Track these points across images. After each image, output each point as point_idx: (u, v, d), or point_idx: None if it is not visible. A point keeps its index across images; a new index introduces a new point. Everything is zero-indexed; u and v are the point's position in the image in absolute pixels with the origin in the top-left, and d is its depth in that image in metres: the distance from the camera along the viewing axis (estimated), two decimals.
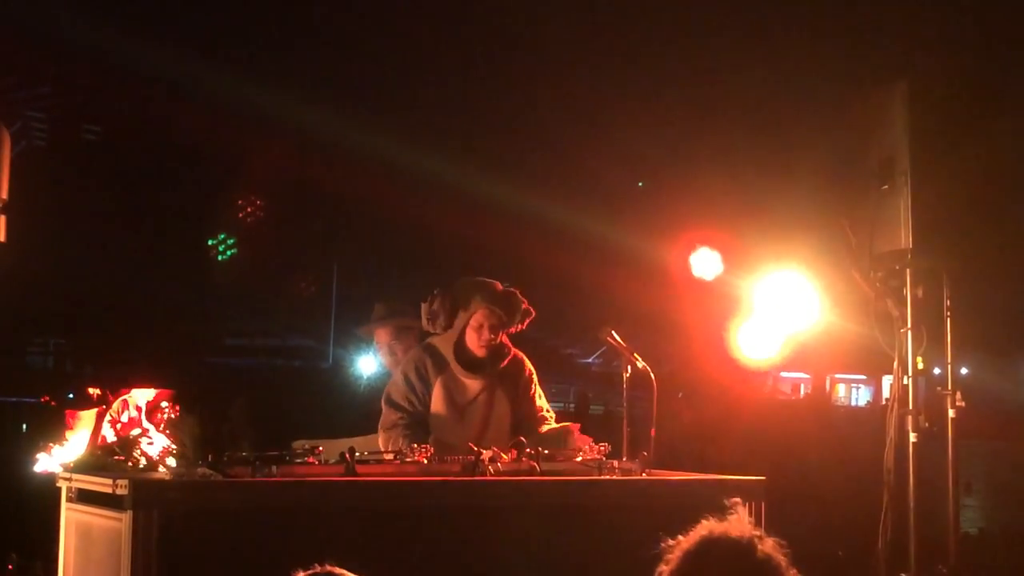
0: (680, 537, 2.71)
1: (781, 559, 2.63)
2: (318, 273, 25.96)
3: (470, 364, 5.44)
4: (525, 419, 5.53)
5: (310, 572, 2.69)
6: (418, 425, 5.38)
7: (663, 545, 2.72)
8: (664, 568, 2.70)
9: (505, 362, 5.52)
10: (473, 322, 5.41)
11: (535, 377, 5.65)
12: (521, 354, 5.65)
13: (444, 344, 5.48)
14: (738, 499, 2.85)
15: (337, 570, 2.68)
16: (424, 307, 5.51)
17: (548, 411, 5.64)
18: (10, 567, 7.30)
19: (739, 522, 2.69)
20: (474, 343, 5.42)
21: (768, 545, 2.63)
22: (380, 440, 5.38)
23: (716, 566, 2.62)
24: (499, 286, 5.51)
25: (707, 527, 2.69)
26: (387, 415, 5.45)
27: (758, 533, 2.66)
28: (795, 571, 2.64)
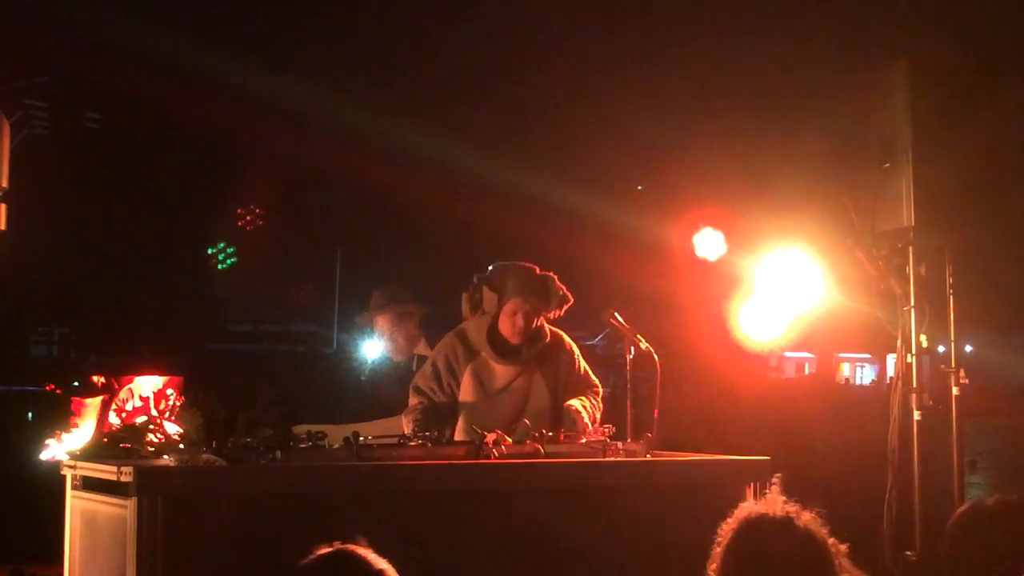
0: (728, 521, 2.77)
1: (821, 529, 2.69)
2: (319, 281, 26.04)
3: (503, 350, 5.41)
4: (573, 396, 5.47)
5: (330, 549, 2.71)
6: (435, 412, 5.37)
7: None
8: (716, 550, 2.75)
9: (540, 348, 5.46)
10: (507, 309, 5.38)
11: (577, 352, 5.59)
12: (560, 332, 5.60)
13: (476, 329, 5.44)
14: (775, 485, 2.92)
15: (355, 548, 2.69)
16: (466, 296, 5.48)
17: (596, 385, 5.58)
18: None
19: (774, 501, 2.74)
20: (508, 330, 5.39)
21: (806, 517, 2.69)
22: (403, 423, 5.38)
23: (761, 547, 2.66)
24: (536, 271, 5.47)
25: (744, 511, 2.74)
26: (410, 400, 5.47)
27: (794, 508, 2.71)
28: (834, 539, 2.69)
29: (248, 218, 22.25)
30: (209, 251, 22.85)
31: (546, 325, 5.53)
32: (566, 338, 5.61)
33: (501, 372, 5.42)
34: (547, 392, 5.46)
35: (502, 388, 5.42)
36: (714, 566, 2.76)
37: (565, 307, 5.52)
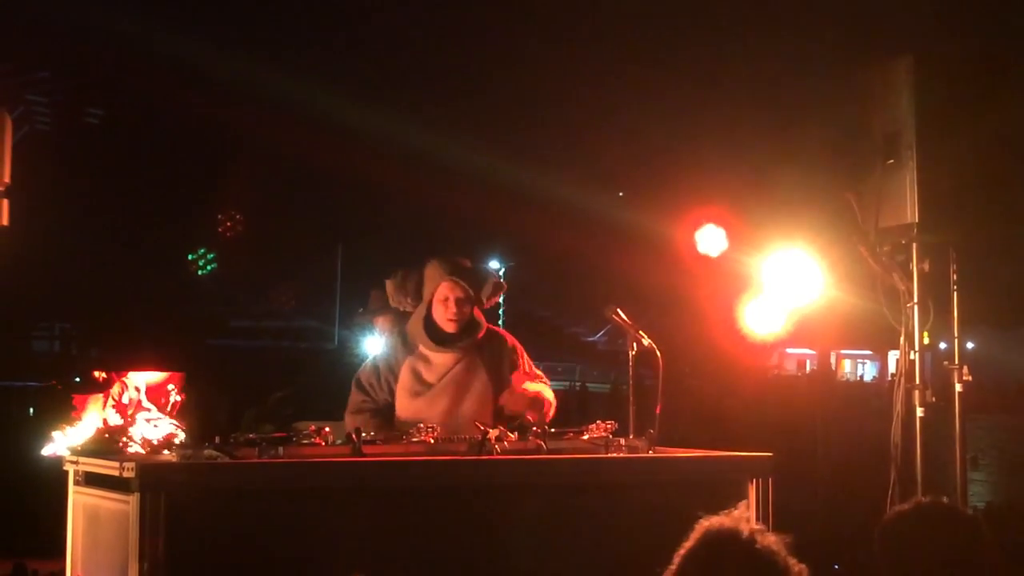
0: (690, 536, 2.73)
1: (783, 552, 2.64)
2: (319, 278, 26.05)
3: (440, 339, 5.40)
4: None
5: None
6: (382, 413, 5.38)
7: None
8: (672, 567, 2.71)
9: (480, 335, 5.45)
10: (438, 295, 5.38)
11: (521, 349, 5.56)
12: (502, 331, 5.62)
13: (414, 323, 5.44)
14: (744, 501, 2.87)
15: None
16: (388, 284, 5.51)
17: (544, 381, 5.55)
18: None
19: (738, 518, 2.70)
20: (441, 317, 5.39)
21: (769, 539, 2.64)
22: (346, 422, 5.31)
23: (718, 564, 2.63)
24: (466, 263, 5.48)
25: (705, 525, 2.70)
26: (353, 397, 5.45)
27: (759, 528, 2.66)
28: (795, 562, 2.65)
29: (228, 224, 22.31)
30: (189, 257, 22.96)
31: (483, 318, 5.52)
32: (509, 336, 5.60)
33: (438, 362, 5.40)
34: (487, 378, 5.42)
35: (440, 378, 5.39)
36: None
37: (500, 294, 5.53)
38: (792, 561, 2.64)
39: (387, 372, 5.43)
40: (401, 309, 5.56)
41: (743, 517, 2.70)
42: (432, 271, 5.41)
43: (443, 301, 5.38)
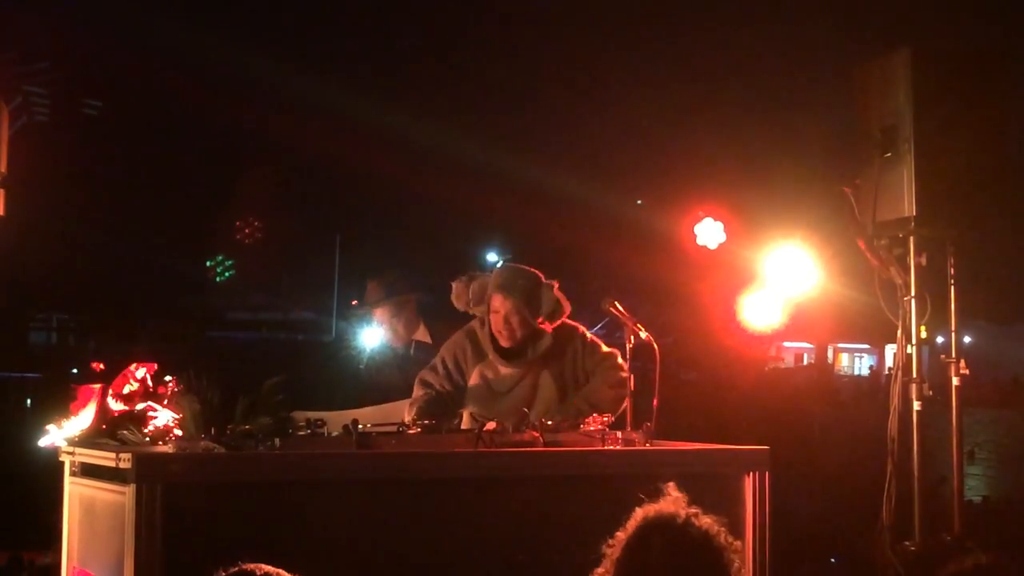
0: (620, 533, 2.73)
1: (721, 532, 2.64)
2: (318, 269, 26.02)
3: (506, 353, 5.38)
4: (589, 380, 5.41)
5: (232, 571, 2.63)
6: (438, 403, 5.37)
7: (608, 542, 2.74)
8: (607, 552, 2.71)
9: (546, 347, 5.38)
10: (492, 306, 5.37)
11: (582, 332, 5.47)
12: (569, 324, 5.50)
13: (482, 330, 5.44)
14: (671, 482, 2.87)
15: (261, 567, 2.62)
16: (456, 285, 5.47)
17: (610, 355, 5.45)
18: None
19: (674, 502, 2.70)
20: (495, 330, 5.37)
21: (705, 521, 2.64)
22: (405, 414, 5.35)
23: (656, 547, 2.63)
24: (534, 275, 5.38)
25: (642, 512, 2.71)
26: (415, 391, 5.47)
27: (694, 511, 2.67)
28: (733, 539, 2.65)
29: (247, 231, 22.31)
30: (208, 263, 22.97)
31: (547, 328, 5.42)
32: (568, 324, 5.51)
33: (507, 374, 5.40)
34: (555, 389, 5.40)
35: (508, 390, 5.40)
36: (600, 571, 2.73)
37: (560, 318, 5.42)
38: (730, 539, 2.65)
39: (456, 373, 5.42)
40: (461, 310, 5.51)
41: (680, 500, 2.70)
42: (491, 280, 5.38)
43: (494, 313, 5.35)
